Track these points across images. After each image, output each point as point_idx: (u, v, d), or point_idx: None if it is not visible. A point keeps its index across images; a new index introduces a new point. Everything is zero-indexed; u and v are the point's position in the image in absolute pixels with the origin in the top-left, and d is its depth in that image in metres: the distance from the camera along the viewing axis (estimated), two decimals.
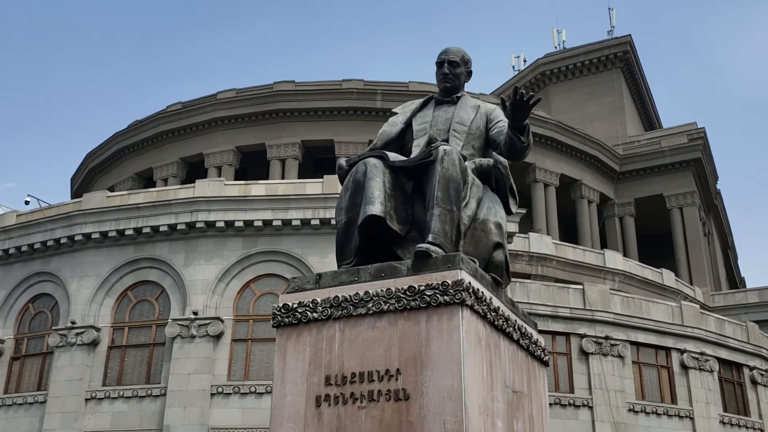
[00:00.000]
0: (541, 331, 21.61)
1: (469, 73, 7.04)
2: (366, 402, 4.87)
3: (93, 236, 26.20)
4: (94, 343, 25.04)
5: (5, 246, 27.65)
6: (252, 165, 39.15)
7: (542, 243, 31.42)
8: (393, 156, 5.98)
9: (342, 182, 6.10)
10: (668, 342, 27.74)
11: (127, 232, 25.84)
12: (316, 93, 37.89)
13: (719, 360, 28.69)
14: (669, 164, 44.56)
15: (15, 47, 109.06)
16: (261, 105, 38.13)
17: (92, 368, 24.95)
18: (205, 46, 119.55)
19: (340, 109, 37.66)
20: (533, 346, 5.95)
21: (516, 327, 5.65)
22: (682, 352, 27.69)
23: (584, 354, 26.00)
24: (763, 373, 30.13)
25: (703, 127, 46.63)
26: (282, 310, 5.39)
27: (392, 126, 6.85)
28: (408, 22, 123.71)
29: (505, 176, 6.58)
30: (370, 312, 5.09)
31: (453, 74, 6.85)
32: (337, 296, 5.23)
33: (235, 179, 34.73)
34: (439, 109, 6.83)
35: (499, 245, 5.80)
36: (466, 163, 6.15)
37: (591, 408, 25.35)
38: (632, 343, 26.95)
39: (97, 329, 25.11)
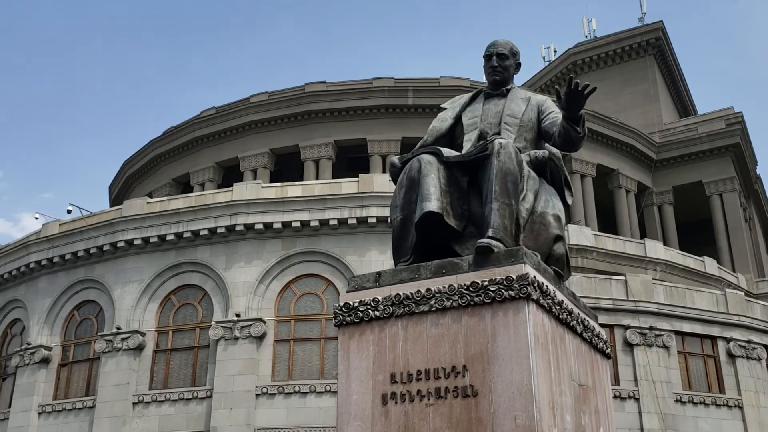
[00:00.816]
0: None
1: (518, 65, 6.98)
2: (433, 399, 4.85)
3: (135, 242, 26.57)
4: (140, 348, 25.37)
5: (50, 255, 28.14)
6: (286, 167, 39.34)
7: (582, 234, 31.08)
8: (447, 151, 5.95)
9: (395, 180, 6.08)
10: (714, 331, 27.30)
11: (168, 237, 26.13)
12: (348, 92, 37.94)
13: (767, 347, 28.15)
14: (707, 150, 43.80)
15: (49, 57, 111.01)
16: (293, 107, 38.29)
17: (138, 372, 25.30)
18: (236, 49, 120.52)
19: (371, 107, 37.65)
20: (596, 338, 5.89)
21: (579, 320, 5.60)
22: (728, 340, 27.23)
23: (629, 345, 25.70)
24: None
25: (741, 112, 45.77)
26: (343, 309, 5.40)
27: (441, 122, 6.82)
28: (436, 17, 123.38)
29: (559, 168, 6.52)
30: (433, 309, 5.07)
31: (502, 67, 6.80)
32: (398, 294, 5.22)
33: (270, 182, 34.90)
34: (488, 103, 6.78)
35: (559, 238, 5.75)
36: (521, 155, 6.10)
37: (637, 400, 25.05)
38: (677, 333, 26.56)
39: (142, 334, 25.45)
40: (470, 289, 4.98)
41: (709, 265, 35.68)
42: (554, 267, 5.61)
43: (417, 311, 5.12)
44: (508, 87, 6.84)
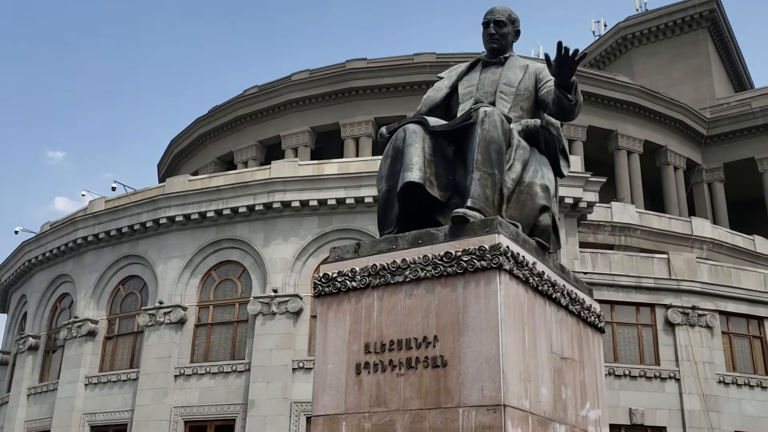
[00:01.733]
0: (623, 303, 20.91)
1: (517, 33, 6.82)
2: (404, 369, 4.83)
3: (177, 219, 27.01)
4: (181, 322, 25.88)
5: (95, 231, 28.82)
6: (327, 145, 39.46)
7: (625, 212, 30.47)
8: (433, 121, 5.86)
9: (383, 150, 6.03)
10: (761, 311, 26.56)
11: (209, 215, 26.49)
12: (389, 69, 37.76)
13: None
14: (760, 126, 42.33)
15: (95, 45, 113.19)
16: (334, 84, 38.29)
17: (180, 346, 25.83)
18: (278, 28, 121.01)
19: (412, 83, 37.38)
20: (585, 311, 5.76)
21: (565, 292, 5.47)
22: None
23: (670, 325, 25.19)
24: None
25: None
26: (322, 279, 5.39)
27: (437, 91, 6.72)
28: None
29: (556, 137, 6.36)
30: (408, 279, 5.03)
31: (499, 34, 6.65)
32: (375, 264, 5.19)
33: (312, 159, 35.07)
34: (486, 71, 6.66)
35: (545, 208, 5.61)
36: (512, 125, 5.97)
37: (678, 380, 24.57)
38: (721, 312, 25.91)
39: (184, 308, 25.94)
40: (444, 259, 4.91)
41: (760, 244, 34.66)
42: (538, 238, 5.48)
43: (392, 282, 5.08)
44: (507, 55, 6.70)
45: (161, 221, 27.15)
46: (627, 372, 24.40)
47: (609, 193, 35.33)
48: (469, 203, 5.20)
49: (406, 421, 4.68)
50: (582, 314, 5.69)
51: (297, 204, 25.55)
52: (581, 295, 5.78)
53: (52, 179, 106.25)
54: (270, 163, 28.22)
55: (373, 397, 4.88)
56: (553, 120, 6.41)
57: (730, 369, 25.49)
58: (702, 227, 32.72)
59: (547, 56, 5.70)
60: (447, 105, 6.63)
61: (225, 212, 26.18)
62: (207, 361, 25.44)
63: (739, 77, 53.76)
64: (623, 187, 38.22)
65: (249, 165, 38.76)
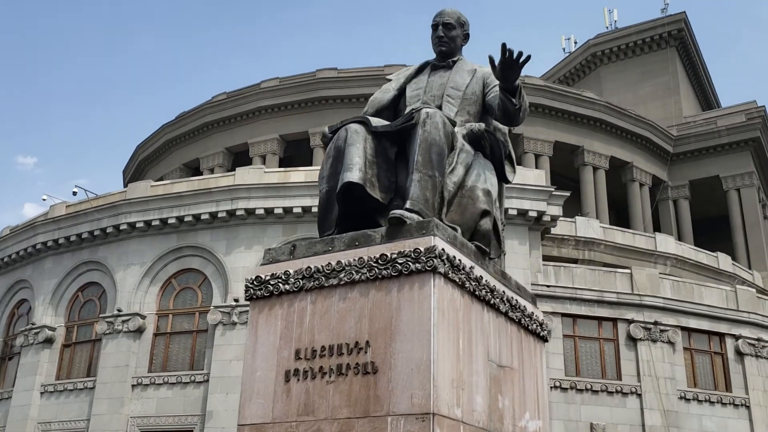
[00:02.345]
0: (586, 317, 20.84)
1: (466, 36, 6.70)
2: (335, 376, 4.64)
3: (137, 225, 26.57)
4: (140, 330, 25.41)
5: (55, 236, 28.26)
6: (296, 153, 39.22)
7: (589, 227, 30.61)
8: (376, 121, 5.71)
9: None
10: (722, 327, 26.75)
11: (170, 221, 26.11)
12: (359, 79, 37.66)
13: None
14: (725, 144, 42.92)
15: (66, 51, 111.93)
16: (304, 93, 38.12)
17: (138, 355, 25.35)
18: (248, 35, 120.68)
19: None
20: (527, 319, 5.61)
21: (504, 299, 5.33)
22: (737, 338, 26.67)
23: (632, 340, 25.25)
24: None
25: (763, 106, 44.73)
26: (255, 282, 5.19)
27: (384, 93, 6.59)
28: (453, 4, 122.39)
29: (502, 143, 6.25)
30: (342, 282, 4.85)
31: (448, 37, 6.54)
32: (309, 267, 5.00)
33: (280, 168, 34.80)
34: (434, 75, 6.54)
35: (486, 213, 5.47)
36: (457, 128, 5.84)
37: (640, 396, 24.61)
38: (683, 328, 26.04)
39: (143, 317, 25.48)
40: (379, 261, 4.75)
41: (723, 261, 35.04)
42: (478, 243, 5.33)
43: (326, 285, 4.90)
44: (455, 58, 6.58)
45: (122, 227, 26.70)
46: (589, 386, 24.39)
47: (575, 208, 35.52)
48: (407, 205, 5.05)
49: (334, 431, 4.49)
50: (523, 322, 5.55)
51: (261, 212, 25.27)
52: (523, 302, 5.64)
53: (22, 185, 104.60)
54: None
55: (301, 406, 4.68)
56: (500, 126, 6.30)
57: (691, 385, 25.60)
58: (666, 243, 32.99)
59: (491, 59, 5.58)
60: (395, 108, 6.49)
61: (187, 219, 25.81)
62: (165, 371, 24.98)
63: (706, 96, 54.54)
64: (588, 202, 38.45)
65: (215, 172, 38.38)
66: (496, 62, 5.54)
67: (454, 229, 5.14)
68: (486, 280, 5.11)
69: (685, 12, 49.27)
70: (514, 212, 24.83)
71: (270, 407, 4.78)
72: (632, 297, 25.69)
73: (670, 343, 25.57)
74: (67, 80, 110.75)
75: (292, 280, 5.03)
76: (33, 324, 27.40)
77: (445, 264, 4.63)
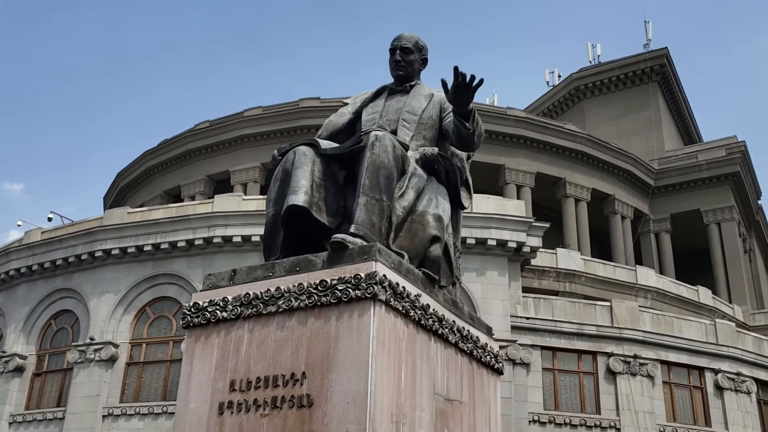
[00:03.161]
0: (565, 350, 20.59)
1: (424, 61, 6.57)
2: (269, 409, 4.39)
3: (113, 252, 26.22)
4: (112, 360, 24.95)
5: (29, 263, 27.84)
6: None
7: (570, 259, 30.50)
8: (325, 143, 5.53)
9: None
10: (702, 361, 26.57)
11: (146, 248, 25.79)
12: (340, 109, 37.59)
13: (757, 381, 27.39)
14: (706, 178, 43.16)
15: (53, 73, 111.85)
16: (287, 122, 38.06)
17: (110, 384, 24.86)
18: (234, 64, 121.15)
19: None
20: (479, 351, 5.39)
21: (455, 329, 5.11)
22: (716, 372, 26.49)
23: (611, 373, 25.02)
24: None
25: (743, 141, 45.13)
26: (192, 309, 4.95)
27: (340, 116, 6.44)
28: (439, 38, 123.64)
29: (459, 168, 6.09)
30: (281, 310, 4.62)
31: (405, 61, 6.40)
32: (248, 293, 4.77)
33: (261, 195, 34.57)
34: (391, 99, 6.40)
35: (436, 238, 5.27)
36: (410, 152, 5.68)
37: (619, 430, 24.34)
38: (663, 362, 25.86)
39: (116, 345, 25.03)
40: (318, 288, 4.53)
41: (703, 295, 34.99)
42: (426, 270, 5.12)
43: (265, 312, 4.67)
44: (413, 83, 6.44)
45: (97, 254, 26.33)
46: (568, 420, 24.09)
47: (556, 240, 35.44)
48: (352, 229, 4.86)
49: None
50: (475, 353, 5.33)
51: (239, 239, 25.00)
52: (476, 332, 5.42)
53: (8, 212, 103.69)
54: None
55: None
56: (458, 151, 6.16)
57: (670, 419, 25.34)
58: (647, 276, 32.91)
59: (443, 82, 5.45)
60: (351, 131, 6.32)
61: (163, 246, 25.48)
62: (137, 401, 24.49)
63: (687, 130, 54.97)
64: (570, 234, 38.40)
65: (196, 200, 38.06)
66: (449, 86, 5.41)
67: (401, 255, 4.93)
68: (434, 309, 4.90)
69: (667, 48, 49.84)
70: (494, 242, 24.69)
71: None
72: (612, 330, 25.51)
73: (650, 376, 25.35)
74: (55, 107, 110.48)
75: (230, 307, 4.80)
76: (4, 352, 26.86)
77: (386, 291, 4.42)
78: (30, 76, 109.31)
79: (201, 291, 5.08)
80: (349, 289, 4.41)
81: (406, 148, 5.57)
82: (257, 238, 24.84)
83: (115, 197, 45.67)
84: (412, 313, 4.64)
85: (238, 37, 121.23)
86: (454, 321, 5.14)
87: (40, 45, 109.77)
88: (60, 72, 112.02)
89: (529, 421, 23.62)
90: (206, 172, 40.09)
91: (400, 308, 4.54)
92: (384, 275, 4.44)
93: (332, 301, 4.46)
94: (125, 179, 44.59)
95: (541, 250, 26.68)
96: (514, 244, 24.85)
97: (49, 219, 30.05)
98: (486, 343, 5.53)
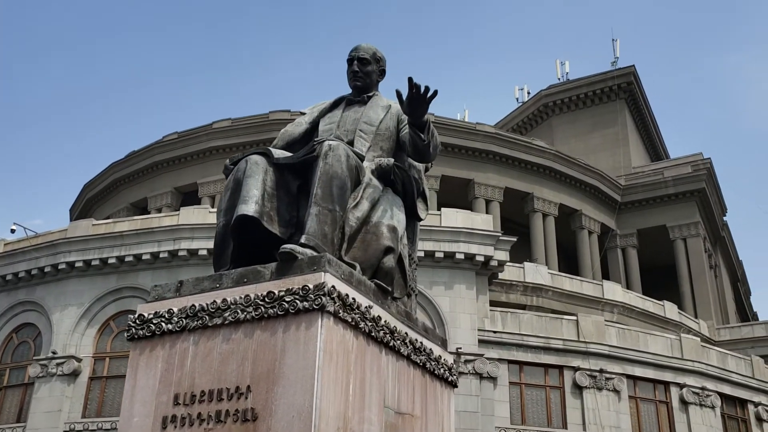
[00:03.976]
0: (532, 364, 20.65)
1: (382, 72, 6.54)
2: (213, 423, 4.28)
3: (77, 265, 25.83)
4: (75, 374, 24.51)
5: None
6: None
7: (537, 273, 30.64)
8: (278, 153, 5.45)
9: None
10: (667, 376, 26.76)
11: (110, 261, 25.44)
12: None
13: (722, 395, 27.64)
14: (672, 194, 43.70)
15: (22, 82, 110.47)
16: (256, 134, 37.87)
17: (72, 399, 24.40)
18: (204, 77, 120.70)
19: None
20: (433, 363, 5.33)
21: (407, 341, 5.04)
22: (681, 386, 26.70)
23: (578, 388, 25.09)
24: None
25: (709, 158, 45.82)
26: (137, 321, 4.83)
27: (296, 126, 6.36)
28: (410, 54, 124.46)
29: (416, 179, 6.05)
30: (227, 322, 4.52)
31: (363, 72, 6.36)
32: (194, 305, 4.66)
33: None
34: (348, 110, 6.35)
35: (390, 249, 5.20)
36: (366, 163, 5.63)
37: None
38: (629, 376, 25.99)
39: (78, 360, 24.60)
40: (266, 299, 4.44)
41: (669, 310, 35.32)
42: (379, 281, 5.05)
43: (210, 325, 4.56)
44: (370, 94, 6.40)
45: (60, 266, 25.92)
46: None
47: (524, 255, 35.60)
48: (302, 239, 4.78)
49: None
50: (428, 365, 5.26)
51: (204, 252, 24.74)
52: (429, 344, 5.36)
53: None
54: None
55: None
56: (415, 163, 6.13)
57: None
58: (613, 291, 33.16)
59: (398, 93, 5.41)
60: (307, 142, 6.21)
61: (127, 259, 25.16)
62: (100, 417, 24.06)
63: (654, 147, 55.70)
64: (538, 248, 38.62)
65: (163, 212, 37.68)
66: (404, 97, 5.37)
67: (352, 266, 4.86)
68: (385, 321, 4.83)
69: (634, 65, 50.56)
70: (462, 256, 24.72)
71: None
72: (578, 344, 25.60)
73: (616, 391, 25.47)
74: (22, 118, 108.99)
75: (175, 319, 4.68)
76: None
77: (335, 302, 4.35)
78: None
79: (147, 302, 4.97)
80: (297, 301, 4.33)
81: (361, 158, 5.52)
82: None
83: (82, 209, 45.04)
84: (362, 324, 4.56)
85: (209, 49, 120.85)
86: (406, 333, 5.07)
87: (6, 55, 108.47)
88: (27, 83, 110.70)
89: None
90: (174, 184, 39.73)
91: (350, 320, 4.46)
92: (333, 286, 4.37)
93: (279, 312, 4.37)
94: (92, 191, 44.02)
95: (508, 264, 26.77)
96: (482, 258, 24.90)
97: (12, 231, 29.58)
98: (440, 356, 5.47)
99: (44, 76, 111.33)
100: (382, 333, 4.76)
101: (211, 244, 24.61)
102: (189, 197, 39.07)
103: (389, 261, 5.18)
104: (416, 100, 5.33)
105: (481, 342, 24.25)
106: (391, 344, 4.85)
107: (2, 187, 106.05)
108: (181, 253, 24.74)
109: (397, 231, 5.37)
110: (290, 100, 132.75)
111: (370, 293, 4.84)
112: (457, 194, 37.71)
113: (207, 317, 4.58)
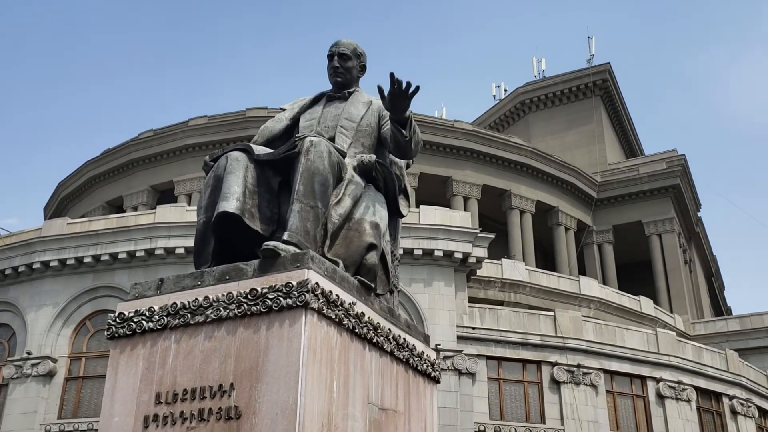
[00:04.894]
0: (510, 359, 20.63)
1: (363, 68, 6.52)
2: (196, 422, 4.24)
3: (52, 264, 25.53)
4: (50, 375, 24.24)
5: None
6: None
7: (515, 269, 30.79)
8: (259, 149, 5.42)
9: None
10: (643, 370, 27.02)
11: (86, 260, 25.18)
12: None
13: (697, 389, 27.95)
14: (647, 191, 44.12)
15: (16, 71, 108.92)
16: (233, 131, 37.64)
17: (48, 400, 24.13)
18: (181, 74, 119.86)
19: None
20: (416, 359, 5.32)
21: (390, 337, 5.03)
22: (658, 380, 26.96)
23: (556, 383, 25.25)
24: (743, 402, 29.37)
25: (683, 155, 46.29)
26: (117, 320, 4.78)
27: (276, 122, 6.32)
28: (384, 51, 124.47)
29: (398, 176, 6.04)
30: (209, 320, 4.48)
31: (344, 68, 6.34)
32: (175, 303, 4.62)
33: None
34: (329, 106, 6.32)
35: (372, 246, 5.19)
36: (348, 159, 5.61)
37: None
38: (606, 371, 26.19)
39: (54, 360, 24.33)
40: (249, 297, 4.41)
41: (645, 305, 35.67)
42: (362, 277, 5.04)
43: (192, 322, 4.52)
44: (351, 90, 6.37)
45: (35, 266, 25.61)
46: (513, 430, 24.22)
47: (502, 251, 35.76)
48: (285, 236, 4.75)
49: None
50: (411, 361, 5.26)
51: (182, 251, 24.58)
52: (412, 341, 5.36)
53: None
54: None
55: None
56: (397, 159, 6.12)
57: (613, 428, 25.66)
58: (590, 286, 33.41)
59: (380, 89, 5.39)
60: (288, 138, 6.19)
61: (103, 258, 24.91)
62: (76, 418, 23.81)
63: (630, 144, 56.17)
64: (515, 245, 38.81)
65: (139, 210, 37.35)
66: (386, 93, 5.36)
67: (335, 262, 4.84)
68: (369, 317, 4.82)
69: (609, 63, 50.91)
70: (440, 253, 24.77)
71: None
72: (556, 339, 25.77)
73: (593, 386, 25.66)
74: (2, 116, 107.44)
75: (156, 317, 4.64)
76: None
77: (319, 299, 4.33)
78: None
79: (127, 300, 4.91)
80: (280, 298, 4.31)
81: (343, 155, 5.50)
82: None
83: (56, 208, 44.51)
84: (345, 321, 4.55)
85: (185, 46, 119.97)
86: (389, 329, 5.06)
87: None
88: (1, 79, 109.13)
89: None
90: (149, 182, 39.38)
91: (334, 317, 4.45)
92: (317, 283, 4.35)
93: (262, 310, 4.34)
94: (66, 189, 43.51)
95: (486, 260, 26.87)
96: (460, 255, 24.97)
97: None
98: (423, 352, 5.47)
99: (16, 73, 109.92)
100: (365, 329, 4.75)
101: (188, 243, 24.49)
102: (165, 195, 38.74)
103: (372, 258, 5.17)
104: (398, 96, 5.32)
105: (459, 338, 24.33)
106: (374, 341, 4.84)
107: None
108: (158, 252, 24.54)
109: (380, 228, 5.35)
110: (267, 97, 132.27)
111: (353, 290, 4.82)
112: (435, 192, 37.78)
113: (189, 315, 4.54)
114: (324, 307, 4.37)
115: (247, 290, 4.44)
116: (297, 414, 3.99)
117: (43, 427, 23.64)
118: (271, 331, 4.29)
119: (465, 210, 34.17)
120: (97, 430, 22.84)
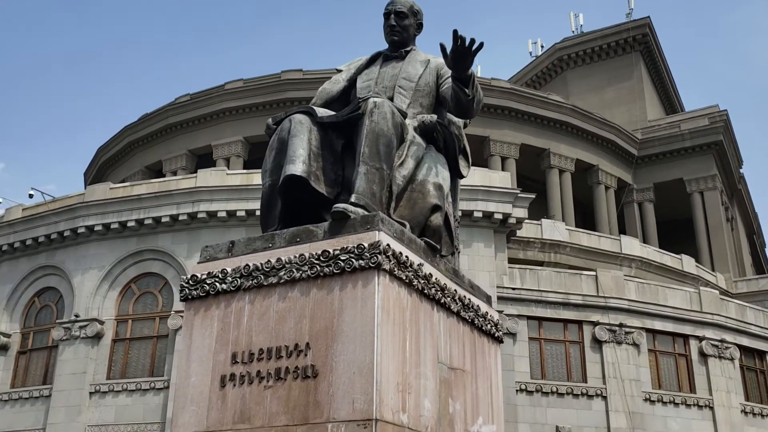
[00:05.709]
0: (551, 319, 20.61)
1: (420, 26, 6.44)
2: (273, 381, 4.33)
3: (96, 228, 25.95)
4: (98, 336, 24.79)
5: (11, 240, 27.50)
6: (261, 156, 38.61)
7: (555, 229, 30.59)
8: (321, 111, 5.42)
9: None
10: (686, 329, 26.85)
11: (130, 224, 25.54)
12: (324, 80, 37.07)
13: (740, 347, 27.73)
14: (689, 148, 43.32)
15: (28, 50, 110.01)
16: (269, 94, 37.65)
17: (96, 361, 24.73)
18: (215, 37, 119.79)
19: None
20: (480, 319, 5.35)
21: (456, 298, 5.06)
22: (700, 339, 26.79)
23: (597, 342, 25.22)
24: None
25: (725, 110, 45.26)
26: (190, 282, 4.87)
27: (334, 84, 6.31)
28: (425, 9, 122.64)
29: (456, 136, 6.01)
30: (282, 281, 4.54)
31: (400, 26, 6.27)
32: (247, 265, 4.69)
33: (245, 170, 34.30)
34: (386, 65, 6.27)
35: (437, 207, 5.20)
36: (408, 120, 5.57)
37: (605, 398, 24.58)
38: (648, 330, 26.08)
39: (101, 322, 24.87)
40: (321, 258, 4.45)
41: (687, 263, 35.28)
42: (427, 239, 5.05)
43: (266, 284, 4.59)
44: (408, 48, 6.31)
45: (80, 230, 26.05)
46: (554, 389, 24.30)
47: (541, 211, 35.52)
48: (353, 198, 4.77)
49: None
50: (476, 322, 5.29)
51: (224, 214, 24.81)
52: (476, 301, 5.38)
53: None
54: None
55: (237, 413, 4.36)
56: (455, 119, 6.06)
57: (655, 387, 25.62)
58: (631, 246, 33.10)
59: (442, 47, 5.32)
60: (345, 100, 6.20)
61: (147, 222, 25.26)
62: (124, 378, 24.39)
63: (670, 100, 55.05)
64: (555, 205, 38.48)
65: (178, 174, 37.69)
66: (448, 50, 5.29)
67: (402, 224, 4.86)
68: (436, 278, 4.84)
69: (649, 17, 49.66)
70: (480, 214, 24.68)
71: (204, 415, 4.46)
72: (597, 299, 25.67)
73: (635, 345, 25.58)
74: (35, 85, 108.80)
75: (229, 279, 4.71)
76: None
77: (390, 261, 4.35)
78: (8, 55, 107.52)
79: (198, 263, 4.99)
80: (353, 259, 4.34)
81: (404, 115, 5.47)
82: (242, 213, 24.69)
83: (96, 173, 45.14)
84: (415, 282, 4.58)
85: (220, 9, 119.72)
86: (455, 290, 5.09)
87: (18, 24, 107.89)
88: (39, 50, 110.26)
89: (516, 390, 23.81)
90: (188, 146, 39.67)
91: (404, 278, 4.47)
92: (388, 244, 4.37)
93: (335, 271, 4.38)
94: (106, 155, 44.06)
95: (526, 221, 26.72)
96: (500, 216, 24.85)
97: (30, 195, 29.72)
98: (486, 312, 5.49)
99: (54, 41, 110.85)
100: (433, 290, 4.78)
101: (229, 206, 24.74)
102: (203, 159, 39.05)
103: (437, 219, 5.18)
104: (461, 53, 5.23)
105: (500, 299, 24.35)
106: (442, 301, 4.87)
107: (15, 152, 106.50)
108: (200, 216, 24.80)
109: (443, 189, 5.35)
110: (302, 59, 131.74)
111: (420, 251, 4.84)
112: (473, 152, 36.93)
113: (262, 276, 4.60)
114: (395, 269, 4.40)
115: (319, 252, 4.48)
116: (374, 373, 4.04)
117: (93, 387, 24.28)
118: (345, 291, 4.33)
119: (503, 170, 33.91)
120: (144, 389, 23.51)
